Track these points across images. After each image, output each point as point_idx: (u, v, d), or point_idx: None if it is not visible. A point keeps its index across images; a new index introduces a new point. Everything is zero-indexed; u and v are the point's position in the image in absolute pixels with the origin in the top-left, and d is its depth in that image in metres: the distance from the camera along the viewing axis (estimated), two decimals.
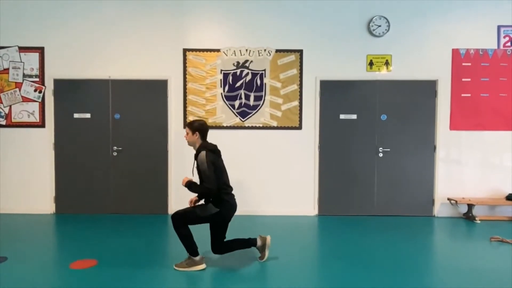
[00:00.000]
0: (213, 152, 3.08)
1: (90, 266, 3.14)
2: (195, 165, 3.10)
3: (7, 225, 4.47)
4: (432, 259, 3.40)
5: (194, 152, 3.13)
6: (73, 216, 4.99)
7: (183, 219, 3.02)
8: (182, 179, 3.10)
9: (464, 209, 5.11)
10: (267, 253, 3.28)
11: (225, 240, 3.15)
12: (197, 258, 3.09)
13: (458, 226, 4.62)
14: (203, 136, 3.15)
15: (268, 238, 3.29)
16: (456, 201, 4.92)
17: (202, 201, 3.20)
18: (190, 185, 3.02)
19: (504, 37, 5.04)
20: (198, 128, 3.12)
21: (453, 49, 5.06)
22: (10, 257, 3.35)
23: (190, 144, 3.18)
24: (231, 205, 3.13)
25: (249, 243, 3.21)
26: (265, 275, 2.98)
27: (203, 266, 3.09)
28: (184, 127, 3.25)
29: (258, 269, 3.10)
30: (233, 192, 3.20)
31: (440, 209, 5.14)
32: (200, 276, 2.94)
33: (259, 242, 3.25)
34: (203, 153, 3.00)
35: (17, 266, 3.14)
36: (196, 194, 3.23)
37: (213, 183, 2.96)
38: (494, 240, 3.97)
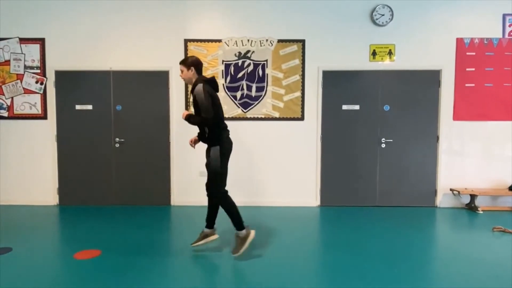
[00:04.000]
0: (210, 84, 3.07)
1: (94, 256, 3.16)
2: (192, 99, 3.06)
3: (11, 217, 4.51)
4: (434, 249, 3.41)
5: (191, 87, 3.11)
6: (76, 207, 5.02)
7: (217, 186, 3.04)
8: (182, 113, 3.07)
9: (467, 199, 5.11)
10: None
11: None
12: (244, 231, 3.11)
13: (461, 217, 4.62)
14: (199, 70, 3.14)
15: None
16: (458, 192, 4.91)
17: (201, 142, 3.18)
18: (189, 117, 3.03)
19: (509, 25, 4.97)
20: (193, 63, 3.10)
21: (457, 38, 5.00)
22: (14, 248, 3.39)
23: (186, 81, 3.16)
24: (229, 141, 3.15)
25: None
26: (265, 265, 2.99)
27: (252, 234, 3.15)
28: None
29: (258, 260, 3.11)
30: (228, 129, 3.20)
31: (442, 199, 5.14)
32: (199, 265, 2.96)
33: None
34: (200, 85, 2.98)
35: (22, 256, 3.17)
36: (196, 134, 3.25)
37: (211, 113, 2.94)
38: (497, 230, 3.97)
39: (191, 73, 3.11)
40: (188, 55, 3.18)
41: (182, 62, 3.13)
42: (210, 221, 3.31)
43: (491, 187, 5.10)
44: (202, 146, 3.22)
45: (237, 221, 3.12)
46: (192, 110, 2.97)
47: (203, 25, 5.03)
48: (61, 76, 5.07)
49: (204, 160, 3.20)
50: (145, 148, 5.12)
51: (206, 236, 3.32)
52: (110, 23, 5.01)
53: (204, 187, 3.22)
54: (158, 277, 2.74)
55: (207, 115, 2.94)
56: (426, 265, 3.00)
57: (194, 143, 3.25)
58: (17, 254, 3.23)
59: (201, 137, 3.18)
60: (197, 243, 3.32)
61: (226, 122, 4.98)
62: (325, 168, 5.16)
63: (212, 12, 5.02)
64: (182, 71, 3.13)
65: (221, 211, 3.21)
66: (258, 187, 5.16)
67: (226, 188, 3.18)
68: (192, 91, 3.05)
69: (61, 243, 3.53)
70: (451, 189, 5.04)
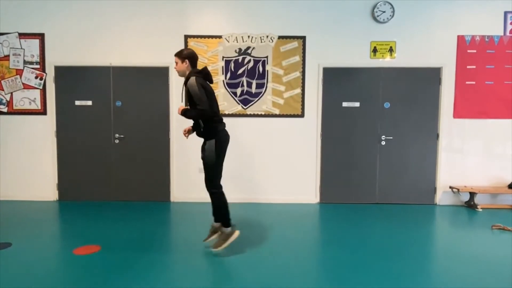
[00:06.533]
0: (203, 77, 3.06)
1: (94, 251, 3.16)
2: (184, 90, 3.05)
3: (10, 212, 4.51)
4: (433, 247, 3.41)
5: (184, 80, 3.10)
6: (76, 203, 5.02)
7: (212, 180, 3.05)
8: (178, 108, 3.08)
9: (466, 197, 5.11)
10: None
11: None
12: (229, 229, 3.12)
13: (460, 214, 4.62)
14: (193, 63, 3.13)
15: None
16: (458, 189, 4.91)
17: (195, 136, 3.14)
18: (185, 111, 3.02)
19: (511, 23, 4.96)
20: (188, 55, 3.09)
21: (458, 36, 4.99)
22: (14, 243, 3.39)
23: (180, 73, 3.14)
24: (225, 134, 3.13)
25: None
26: (265, 262, 3.00)
27: (237, 233, 3.15)
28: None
29: (258, 257, 3.11)
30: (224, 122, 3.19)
31: (442, 197, 5.15)
32: (198, 262, 2.96)
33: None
34: (193, 78, 2.97)
35: (22, 252, 3.17)
36: (191, 124, 3.24)
37: (206, 104, 2.93)
38: (496, 228, 3.98)
39: (185, 66, 3.10)
40: (181, 49, 3.16)
41: (177, 54, 3.12)
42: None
43: (490, 185, 5.10)
44: (200, 141, 3.21)
45: (226, 218, 3.13)
46: (183, 104, 2.97)
47: (204, 21, 5.01)
48: (60, 71, 5.05)
49: None
50: (145, 144, 5.12)
51: (216, 230, 3.32)
52: (111, 19, 4.99)
53: (204, 183, 3.22)
54: (158, 272, 2.75)
55: (202, 106, 2.93)
56: (425, 262, 3.00)
57: (187, 133, 3.22)
58: (16, 249, 3.23)
59: (196, 132, 3.17)
60: (209, 239, 3.34)
61: (226, 118, 5.04)
62: (325, 165, 5.16)
63: (212, 8, 4.99)
64: (176, 63, 3.12)
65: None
66: (258, 184, 5.16)
67: (222, 184, 3.16)
68: (185, 83, 3.05)
69: (61, 239, 3.53)
70: (450, 187, 5.05)
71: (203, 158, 3.10)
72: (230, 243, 3.14)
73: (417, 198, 5.15)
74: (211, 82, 3.18)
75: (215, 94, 4.93)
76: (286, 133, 5.11)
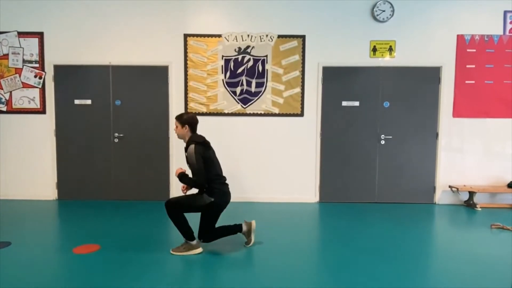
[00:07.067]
0: (203, 145, 3.06)
1: (93, 250, 3.16)
2: (186, 157, 3.09)
3: (10, 211, 4.51)
4: (433, 246, 3.42)
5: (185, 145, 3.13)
6: (75, 202, 5.02)
7: (177, 207, 3.03)
8: (176, 169, 3.11)
9: (465, 196, 5.12)
10: (253, 238, 3.31)
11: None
12: (194, 242, 3.13)
13: (459, 214, 4.63)
14: (193, 129, 3.14)
15: (253, 223, 3.32)
16: (457, 189, 4.92)
17: (195, 190, 3.16)
18: (181, 177, 3.03)
19: (510, 22, 4.96)
20: (188, 121, 3.11)
21: (458, 35, 4.99)
22: (14, 242, 3.39)
23: (179, 137, 3.17)
24: (225, 193, 3.14)
25: (235, 229, 3.23)
26: (264, 261, 3.00)
27: (199, 249, 3.14)
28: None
29: (257, 256, 3.12)
30: (227, 182, 3.21)
31: (441, 196, 5.15)
32: (197, 261, 2.97)
33: (244, 228, 3.27)
34: (192, 146, 3.00)
35: (21, 251, 3.17)
36: None
37: (202, 177, 2.97)
38: (495, 227, 3.99)
39: (185, 131, 3.12)
40: (185, 112, 3.13)
41: (178, 118, 3.14)
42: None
43: (490, 184, 5.11)
44: None
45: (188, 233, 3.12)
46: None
47: (203, 20, 5.00)
48: (60, 70, 5.04)
49: None
50: (144, 143, 5.11)
51: (249, 230, 3.34)
52: (110, 17, 4.98)
53: None
54: (157, 272, 2.75)
55: (197, 178, 2.97)
56: (424, 261, 3.01)
57: (186, 189, 3.22)
58: (16, 248, 3.23)
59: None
60: (250, 243, 3.36)
61: (226, 118, 5.04)
62: (324, 164, 5.16)
63: (212, 7, 4.99)
64: (176, 127, 3.14)
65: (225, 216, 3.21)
66: (257, 183, 5.17)
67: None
68: (185, 150, 3.07)
69: (60, 238, 3.54)
70: (450, 186, 5.05)
71: (192, 204, 3.09)
72: (189, 254, 3.12)
73: (417, 197, 5.15)
74: (210, 149, 3.15)
75: (215, 93, 4.91)
76: (285, 132, 5.11)
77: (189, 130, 3.13)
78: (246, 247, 3.28)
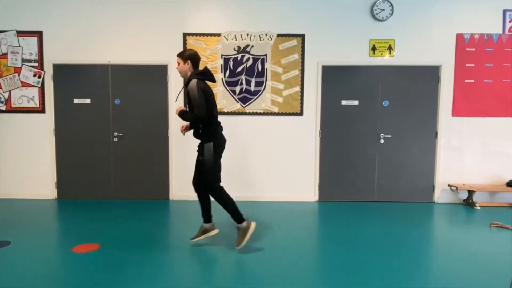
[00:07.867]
0: (205, 78, 3.07)
1: (93, 250, 3.16)
2: (184, 92, 3.07)
3: (9, 210, 4.50)
4: (432, 244, 3.42)
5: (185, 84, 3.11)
6: (74, 201, 5.02)
7: (214, 182, 3.07)
8: (176, 108, 3.11)
9: (465, 195, 5.12)
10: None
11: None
12: (244, 223, 3.11)
13: (458, 212, 4.64)
14: (195, 65, 3.13)
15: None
16: (456, 188, 4.93)
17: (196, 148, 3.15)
18: (182, 113, 3.03)
19: (510, 21, 4.96)
20: (190, 56, 3.09)
21: (457, 34, 4.99)
22: (13, 241, 3.39)
23: (182, 74, 3.15)
24: (221, 136, 3.15)
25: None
26: (264, 260, 3.00)
27: (253, 224, 3.15)
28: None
29: (257, 254, 3.12)
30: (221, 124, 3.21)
31: (440, 195, 5.16)
32: (197, 260, 2.97)
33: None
34: (194, 81, 2.97)
35: (21, 250, 3.17)
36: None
37: (203, 111, 2.94)
38: (494, 226, 3.99)
39: (187, 67, 3.10)
40: (187, 49, 3.15)
41: (180, 55, 3.12)
42: (206, 216, 3.30)
43: (489, 183, 5.11)
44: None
45: (236, 214, 3.12)
46: (178, 104, 2.97)
47: (202, 19, 5.00)
48: (59, 69, 5.04)
49: None
50: (143, 142, 5.11)
51: (206, 231, 3.31)
52: (109, 16, 4.97)
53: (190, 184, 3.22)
54: (157, 271, 2.75)
55: (199, 113, 2.94)
56: (423, 260, 3.01)
57: (185, 129, 3.22)
58: (15, 247, 3.23)
59: (194, 132, 3.17)
60: (197, 238, 3.32)
61: (225, 116, 5.04)
62: (323, 163, 5.16)
63: (211, 6, 4.98)
64: (178, 64, 3.12)
65: (218, 206, 3.21)
66: (256, 182, 5.17)
67: (222, 184, 3.19)
68: (186, 85, 3.04)
69: (60, 237, 3.54)
70: (449, 185, 5.06)
71: (201, 160, 3.10)
72: (249, 237, 3.13)
73: (416, 196, 5.16)
74: (213, 81, 3.18)
75: (215, 92, 4.92)
76: (285, 131, 5.11)
77: (191, 66, 3.10)
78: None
